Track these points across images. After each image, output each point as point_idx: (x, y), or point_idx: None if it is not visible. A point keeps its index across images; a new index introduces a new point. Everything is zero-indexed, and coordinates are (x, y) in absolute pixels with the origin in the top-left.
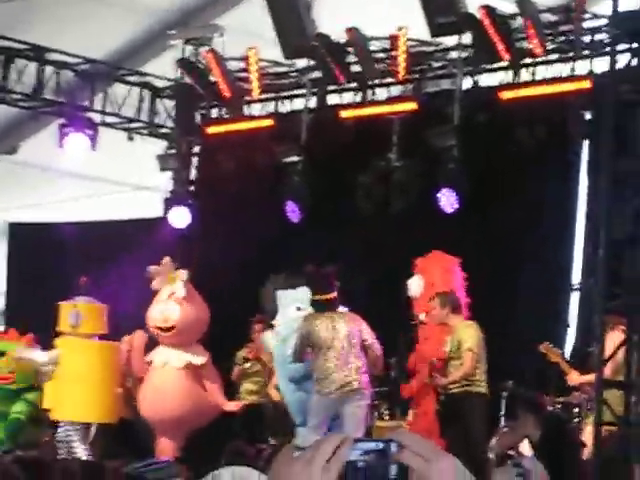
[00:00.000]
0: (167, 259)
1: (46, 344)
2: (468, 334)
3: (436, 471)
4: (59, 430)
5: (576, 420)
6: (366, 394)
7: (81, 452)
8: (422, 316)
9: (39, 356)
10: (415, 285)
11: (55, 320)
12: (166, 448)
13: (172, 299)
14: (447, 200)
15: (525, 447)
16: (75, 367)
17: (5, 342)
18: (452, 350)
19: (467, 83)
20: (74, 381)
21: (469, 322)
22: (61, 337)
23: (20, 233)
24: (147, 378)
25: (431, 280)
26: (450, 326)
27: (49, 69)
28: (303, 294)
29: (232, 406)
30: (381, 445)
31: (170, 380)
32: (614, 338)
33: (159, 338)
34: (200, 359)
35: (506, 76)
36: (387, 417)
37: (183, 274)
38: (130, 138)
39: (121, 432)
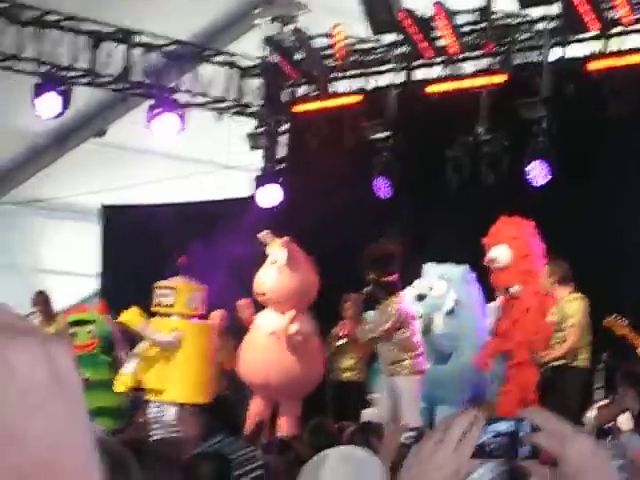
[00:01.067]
0: (265, 232)
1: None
2: (574, 308)
3: (574, 452)
4: (152, 409)
5: None
6: None
7: (174, 432)
8: (515, 288)
9: (163, 337)
10: (502, 254)
11: (151, 301)
12: (256, 410)
13: (274, 265)
14: (538, 173)
15: (624, 421)
16: (192, 349)
17: (89, 313)
18: (556, 323)
19: (555, 54)
20: (171, 361)
21: (575, 294)
22: (157, 317)
23: (113, 215)
24: (245, 339)
25: (517, 246)
26: (553, 297)
27: (136, 51)
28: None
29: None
30: (513, 426)
31: (260, 344)
32: None
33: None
34: (293, 327)
35: (595, 46)
36: None
37: (284, 240)
38: (219, 118)
39: (216, 409)
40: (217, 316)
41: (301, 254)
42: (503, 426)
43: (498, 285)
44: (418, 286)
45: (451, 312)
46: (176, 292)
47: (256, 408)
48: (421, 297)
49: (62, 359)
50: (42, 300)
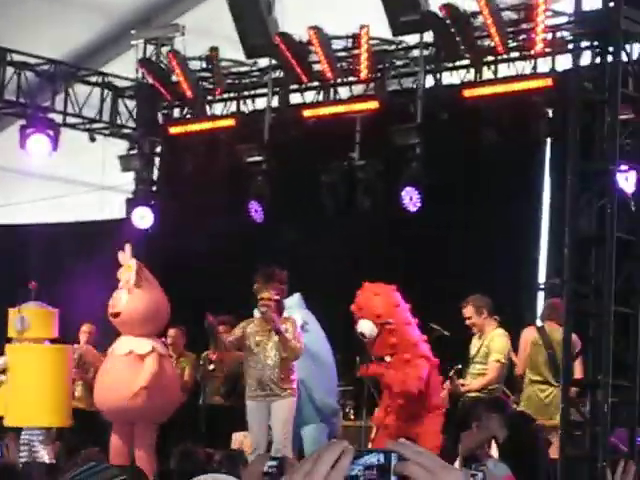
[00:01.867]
0: (128, 246)
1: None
2: (500, 345)
3: None
4: (22, 434)
5: None
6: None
7: (44, 455)
8: (387, 359)
9: None
10: (367, 329)
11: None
12: (115, 443)
13: (125, 287)
14: (410, 199)
15: (494, 449)
16: (25, 372)
17: None
18: (479, 355)
19: (429, 81)
20: (26, 386)
21: (502, 330)
22: (10, 343)
23: None
24: (106, 366)
25: (381, 321)
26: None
27: (10, 70)
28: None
29: None
30: (382, 458)
31: (115, 367)
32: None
33: (116, 327)
34: (145, 348)
35: (468, 74)
36: (352, 417)
37: (134, 263)
38: (92, 139)
39: (85, 426)
40: (85, 331)
41: (150, 276)
42: (372, 458)
43: (373, 354)
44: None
45: (302, 328)
46: (24, 317)
47: (115, 442)
48: None
49: None
50: None
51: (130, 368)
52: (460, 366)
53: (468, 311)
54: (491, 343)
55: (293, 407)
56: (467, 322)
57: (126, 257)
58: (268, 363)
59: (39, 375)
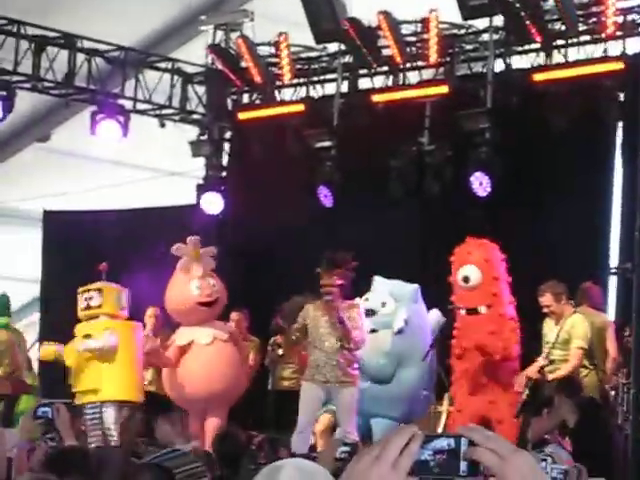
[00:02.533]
0: (194, 237)
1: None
2: (581, 331)
3: (512, 468)
4: (88, 412)
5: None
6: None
7: (116, 436)
8: (482, 309)
9: (99, 343)
10: (474, 274)
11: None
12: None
13: (208, 274)
14: (480, 184)
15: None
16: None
17: None
18: (558, 341)
19: (499, 66)
20: (105, 361)
21: (581, 316)
22: (83, 322)
23: (55, 221)
24: (189, 358)
25: (488, 269)
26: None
27: (80, 56)
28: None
29: None
30: (452, 443)
31: (222, 354)
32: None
33: (196, 315)
34: (224, 335)
35: (538, 58)
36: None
37: (211, 250)
38: (162, 125)
39: (153, 406)
40: (152, 314)
41: None
42: (442, 443)
43: (464, 304)
44: (370, 300)
45: (400, 331)
46: (102, 294)
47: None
48: (371, 312)
49: None
50: None
51: (218, 354)
52: (547, 351)
53: (547, 299)
54: (572, 329)
55: (355, 395)
56: (546, 310)
57: (193, 246)
58: (327, 349)
59: (132, 350)
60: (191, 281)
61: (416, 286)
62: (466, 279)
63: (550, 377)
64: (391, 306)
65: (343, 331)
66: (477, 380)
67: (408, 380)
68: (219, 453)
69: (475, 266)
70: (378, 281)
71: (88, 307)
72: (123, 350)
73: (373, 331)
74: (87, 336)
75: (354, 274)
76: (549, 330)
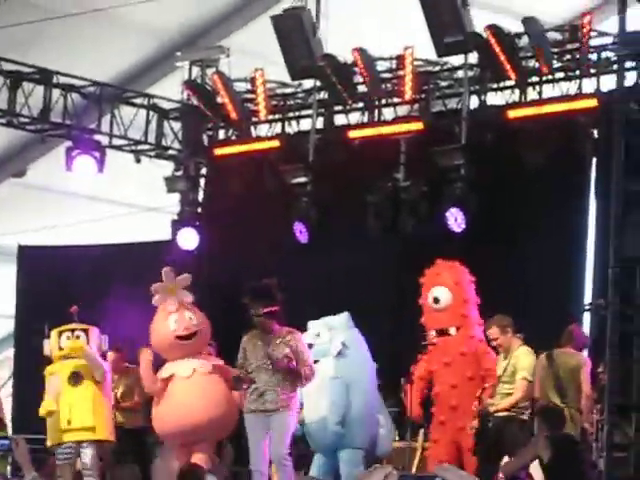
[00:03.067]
0: (167, 269)
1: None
2: (526, 362)
3: None
4: (61, 452)
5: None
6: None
7: (93, 474)
8: (452, 330)
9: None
10: (444, 295)
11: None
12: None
13: (184, 307)
14: (455, 220)
15: (534, 469)
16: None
17: None
18: (505, 374)
19: (474, 102)
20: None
21: (527, 348)
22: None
23: (29, 256)
24: (170, 392)
25: (458, 290)
26: (485, 344)
27: (56, 92)
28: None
29: None
30: None
31: (202, 386)
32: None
33: (177, 349)
34: (220, 361)
35: (513, 95)
36: (397, 439)
37: (186, 279)
38: (137, 160)
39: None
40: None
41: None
42: None
43: (433, 326)
44: (305, 335)
45: (340, 354)
46: (87, 334)
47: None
48: (308, 346)
49: None
50: None
51: (197, 386)
52: (487, 385)
53: (493, 332)
54: (517, 361)
55: (293, 423)
56: (493, 343)
57: (168, 279)
58: (265, 377)
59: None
60: (169, 316)
61: (346, 313)
62: (436, 300)
63: (492, 409)
64: (325, 335)
65: (292, 373)
66: (447, 402)
67: (359, 406)
68: None
69: (445, 287)
70: (310, 323)
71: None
72: (97, 389)
73: (315, 362)
74: (75, 374)
75: (281, 299)
76: (499, 366)
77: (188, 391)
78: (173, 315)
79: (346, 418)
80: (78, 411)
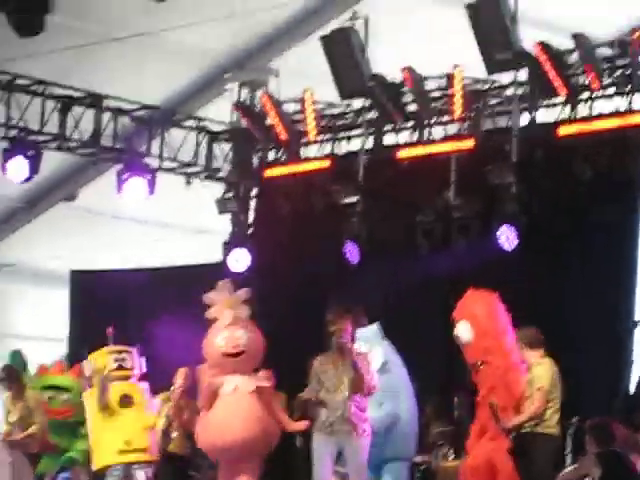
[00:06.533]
0: (225, 281)
1: None
2: (540, 372)
3: None
4: (115, 473)
5: None
6: None
7: None
8: (479, 364)
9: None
10: (464, 331)
11: None
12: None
13: (237, 323)
14: (507, 237)
15: None
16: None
17: (65, 378)
18: (528, 389)
19: (524, 120)
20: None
21: (545, 359)
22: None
23: (81, 280)
24: (215, 406)
25: (478, 324)
26: (518, 368)
27: (106, 115)
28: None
29: (300, 426)
30: None
31: (243, 405)
32: None
33: (224, 366)
34: (268, 382)
35: (563, 112)
36: (452, 457)
37: (245, 292)
38: (188, 182)
39: (180, 468)
40: (181, 375)
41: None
42: None
43: (467, 360)
44: None
45: (382, 368)
46: (131, 356)
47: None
48: None
49: None
50: (8, 374)
51: (236, 405)
52: (496, 401)
53: None
54: (534, 373)
55: (367, 447)
56: None
57: (225, 291)
58: (338, 400)
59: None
60: (219, 332)
61: (377, 324)
62: (457, 337)
63: (510, 424)
64: (363, 349)
65: (357, 376)
66: (484, 423)
67: (405, 417)
68: None
69: (467, 322)
70: None
71: (120, 367)
72: (140, 411)
73: None
74: (125, 396)
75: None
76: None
77: (228, 408)
78: (224, 332)
79: (393, 430)
80: (135, 432)
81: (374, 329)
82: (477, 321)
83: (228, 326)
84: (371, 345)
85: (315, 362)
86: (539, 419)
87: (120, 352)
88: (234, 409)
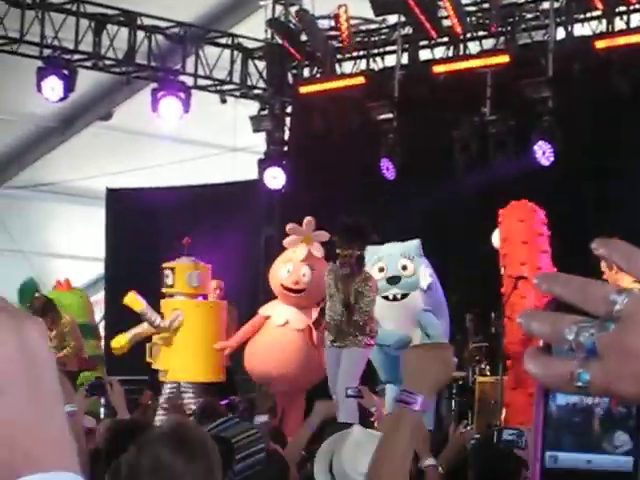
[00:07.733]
0: (310, 219)
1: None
2: None
3: None
4: (166, 391)
5: None
6: None
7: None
8: (502, 270)
9: (160, 322)
10: (494, 238)
11: (159, 282)
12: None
13: (307, 260)
14: (543, 153)
15: None
16: (191, 327)
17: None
18: None
19: (560, 34)
20: (174, 341)
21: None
22: (167, 299)
23: (117, 198)
24: (262, 333)
25: (506, 233)
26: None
27: (140, 34)
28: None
29: None
30: None
31: (288, 340)
32: None
33: (282, 296)
34: (301, 324)
35: (600, 25)
36: (488, 373)
37: (323, 235)
38: (223, 100)
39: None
40: (213, 286)
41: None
42: None
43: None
44: (389, 268)
45: (429, 288)
46: (174, 272)
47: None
48: (397, 279)
49: (33, 334)
50: (43, 304)
51: (283, 339)
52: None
53: (602, 265)
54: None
55: (364, 357)
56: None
57: (308, 227)
58: (338, 315)
59: (202, 330)
60: (287, 263)
61: (418, 240)
62: (493, 243)
63: None
64: (410, 267)
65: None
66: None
67: (446, 332)
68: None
69: (498, 229)
70: (380, 249)
71: (164, 285)
72: (193, 331)
73: (404, 296)
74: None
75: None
76: None
77: (273, 340)
78: (290, 264)
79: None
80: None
81: (416, 244)
82: (505, 228)
83: (298, 260)
84: (416, 263)
85: (331, 271)
86: None
87: (163, 269)
88: (277, 343)
